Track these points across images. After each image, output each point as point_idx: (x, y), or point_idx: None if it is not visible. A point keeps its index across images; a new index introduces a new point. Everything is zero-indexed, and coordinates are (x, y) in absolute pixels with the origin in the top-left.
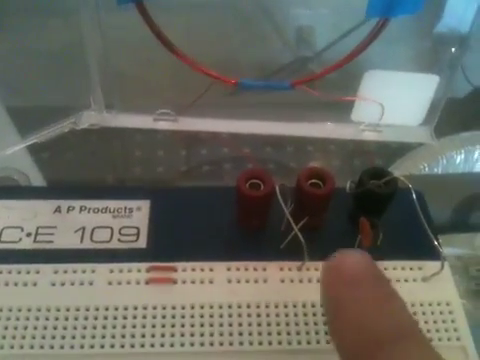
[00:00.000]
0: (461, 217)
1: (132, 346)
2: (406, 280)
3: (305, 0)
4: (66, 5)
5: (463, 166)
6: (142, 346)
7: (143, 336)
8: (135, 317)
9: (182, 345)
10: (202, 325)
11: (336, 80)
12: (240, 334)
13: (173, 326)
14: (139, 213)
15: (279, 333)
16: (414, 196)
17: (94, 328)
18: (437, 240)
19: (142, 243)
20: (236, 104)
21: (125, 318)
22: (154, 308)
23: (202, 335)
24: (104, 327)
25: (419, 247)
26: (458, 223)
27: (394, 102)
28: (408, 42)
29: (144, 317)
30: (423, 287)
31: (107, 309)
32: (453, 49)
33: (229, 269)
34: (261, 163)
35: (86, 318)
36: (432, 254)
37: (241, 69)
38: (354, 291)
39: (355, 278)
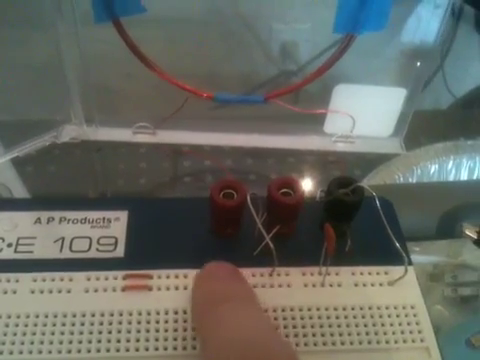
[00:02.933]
0: (438, 225)
1: (108, 351)
2: (372, 284)
3: (288, 16)
4: (45, 19)
5: (437, 176)
6: (117, 351)
7: (118, 341)
8: (111, 323)
9: (156, 349)
10: (176, 330)
11: (318, 93)
12: None
13: (148, 331)
14: (117, 223)
15: None
16: (378, 204)
17: (71, 334)
18: (403, 246)
19: (120, 252)
20: (217, 117)
21: (101, 324)
22: (130, 314)
23: (175, 339)
24: (81, 333)
25: (386, 253)
26: (437, 231)
27: (364, 114)
28: (381, 56)
29: (120, 323)
30: (389, 291)
31: (84, 315)
32: (418, 63)
33: None
34: (242, 174)
35: (64, 324)
36: (398, 259)
37: (225, 83)
38: (208, 279)
39: (212, 272)
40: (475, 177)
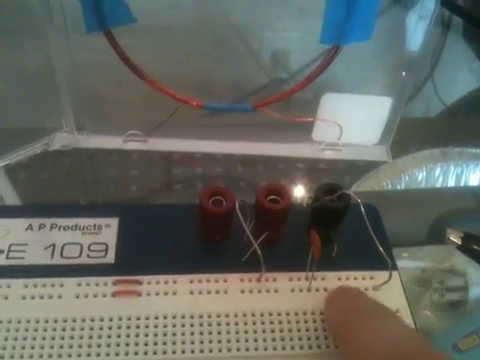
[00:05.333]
0: (426, 231)
1: (98, 355)
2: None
3: (279, 25)
4: (36, 27)
5: (425, 183)
6: (107, 355)
7: (108, 346)
8: (101, 328)
9: (145, 354)
10: (165, 335)
11: (307, 101)
12: (201, 342)
13: (137, 336)
14: (108, 230)
15: (238, 340)
16: (363, 210)
17: (62, 339)
18: (388, 251)
19: (110, 258)
20: (207, 125)
21: (92, 329)
22: (119, 319)
23: (165, 344)
24: (71, 338)
25: (371, 258)
26: (425, 237)
27: (351, 123)
28: (368, 66)
29: (110, 328)
30: (374, 295)
31: (75, 321)
32: (404, 73)
33: (192, 281)
34: (233, 181)
35: (54, 330)
36: (383, 264)
37: (217, 91)
38: (340, 295)
39: (343, 290)
40: (462, 184)
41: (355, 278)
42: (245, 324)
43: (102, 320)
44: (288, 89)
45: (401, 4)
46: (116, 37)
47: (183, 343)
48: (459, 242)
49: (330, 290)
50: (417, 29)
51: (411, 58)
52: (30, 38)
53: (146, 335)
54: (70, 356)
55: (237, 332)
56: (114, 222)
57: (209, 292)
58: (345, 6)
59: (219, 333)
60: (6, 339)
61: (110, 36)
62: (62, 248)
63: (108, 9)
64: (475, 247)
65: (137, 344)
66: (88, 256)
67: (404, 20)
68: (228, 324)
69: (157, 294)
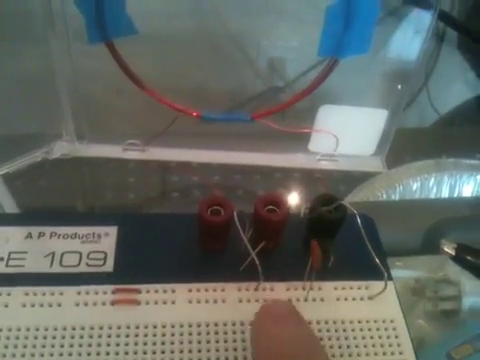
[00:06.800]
0: (420, 241)
1: None
2: (353, 299)
3: (276, 33)
4: (37, 34)
5: (419, 193)
6: None
7: (107, 354)
8: (100, 336)
9: None
10: (163, 343)
11: (304, 112)
12: (199, 351)
13: (136, 345)
14: (107, 238)
15: (235, 349)
16: (359, 221)
17: (62, 347)
18: (383, 261)
19: (109, 267)
20: (205, 134)
21: (91, 338)
22: (118, 328)
23: (163, 353)
24: (71, 346)
25: (367, 268)
26: (419, 246)
27: (348, 134)
28: (364, 78)
29: (109, 336)
30: (369, 305)
31: (74, 329)
32: (399, 86)
33: (190, 290)
34: (230, 190)
35: (54, 338)
36: (378, 274)
37: (214, 99)
38: (270, 321)
39: (273, 313)
40: (456, 194)
41: (351, 288)
42: (243, 333)
43: (101, 328)
44: (285, 99)
45: (396, 16)
46: (115, 46)
47: (181, 352)
48: (453, 253)
49: (326, 300)
50: (413, 42)
51: (407, 70)
52: (31, 45)
53: (145, 344)
54: None
55: (235, 341)
56: (113, 231)
57: (207, 301)
58: (343, 20)
59: (217, 342)
60: (6, 347)
61: (111, 47)
62: (61, 256)
63: (110, 21)
64: (469, 258)
65: (136, 353)
66: (87, 264)
67: (400, 32)
68: (226, 333)
69: (156, 303)
